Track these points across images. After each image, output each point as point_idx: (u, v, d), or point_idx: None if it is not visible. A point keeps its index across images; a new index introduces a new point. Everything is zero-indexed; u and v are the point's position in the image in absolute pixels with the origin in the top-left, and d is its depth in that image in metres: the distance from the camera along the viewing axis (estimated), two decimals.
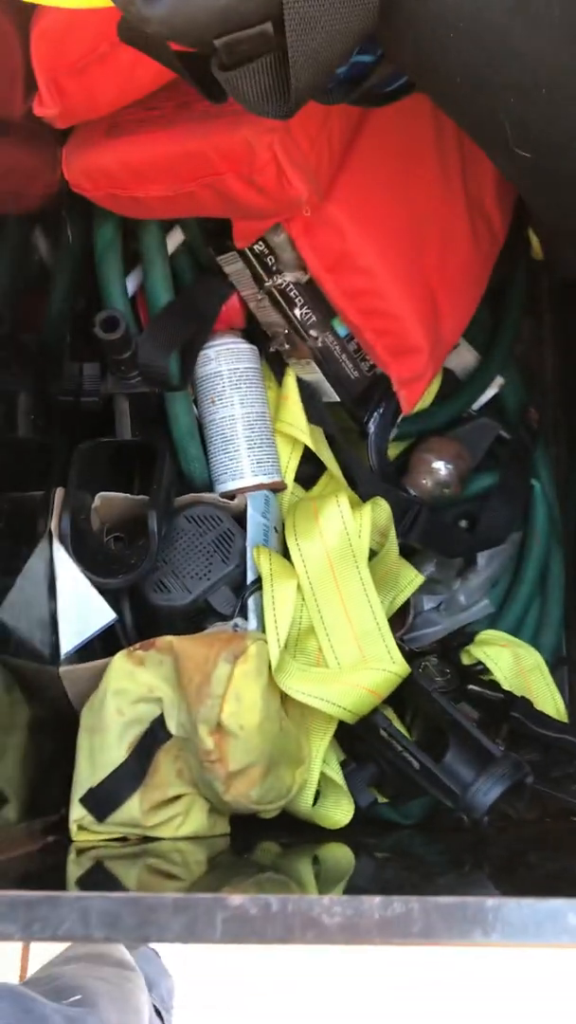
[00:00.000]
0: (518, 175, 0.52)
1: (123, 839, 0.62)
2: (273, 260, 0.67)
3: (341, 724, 0.65)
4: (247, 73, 0.44)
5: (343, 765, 0.68)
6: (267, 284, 0.68)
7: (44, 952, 1.02)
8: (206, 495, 0.70)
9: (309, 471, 0.75)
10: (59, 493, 0.64)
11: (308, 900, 0.32)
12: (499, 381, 0.84)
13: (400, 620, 0.78)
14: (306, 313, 0.68)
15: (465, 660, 0.77)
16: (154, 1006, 1.06)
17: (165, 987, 1.11)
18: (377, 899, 0.31)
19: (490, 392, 0.84)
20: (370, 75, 0.50)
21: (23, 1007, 0.63)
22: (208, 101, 0.48)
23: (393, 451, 0.80)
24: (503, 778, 0.61)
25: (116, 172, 0.61)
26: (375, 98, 0.58)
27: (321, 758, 0.65)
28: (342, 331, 0.70)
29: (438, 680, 0.72)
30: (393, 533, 0.71)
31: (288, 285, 0.67)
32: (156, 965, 1.10)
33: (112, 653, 0.64)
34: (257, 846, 0.66)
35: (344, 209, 0.62)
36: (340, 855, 0.66)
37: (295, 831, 0.68)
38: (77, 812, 0.61)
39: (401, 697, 0.69)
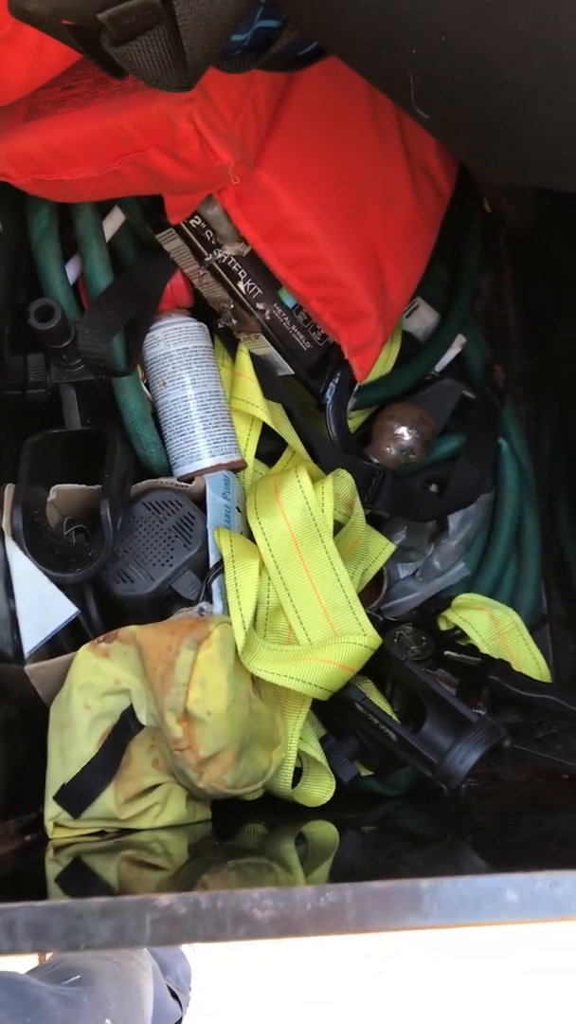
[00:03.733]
0: (440, 130, 0.50)
1: (101, 833, 0.61)
2: (211, 234, 0.65)
3: (319, 699, 0.65)
4: (140, 47, 0.42)
5: (323, 741, 0.68)
6: (208, 259, 0.66)
7: None
8: (163, 480, 0.68)
9: (271, 448, 0.74)
10: (9, 489, 0.63)
11: (238, 895, 0.31)
12: (461, 340, 0.82)
13: (374, 591, 0.77)
14: (251, 286, 0.67)
15: (443, 626, 0.76)
16: (170, 988, 1.06)
17: (180, 969, 1.12)
18: (309, 889, 0.30)
19: (452, 352, 0.82)
20: (276, 40, 0.49)
21: (17, 992, 0.63)
22: (112, 76, 0.46)
23: (357, 420, 0.79)
24: (479, 744, 0.60)
25: (39, 156, 0.59)
26: (291, 62, 0.56)
27: (297, 736, 0.65)
28: (289, 302, 0.68)
29: (413, 649, 0.71)
30: (358, 503, 0.70)
31: (229, 259, 0.66)
32: (172, 948, 1.11)
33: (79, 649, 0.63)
34: (241, 829, 0.66)
35: (276, 176, 0.61)
36: (325, 833, 0.65)
37: (280, 811, 0.68)
38: (52, 810, 0.60)
39: (378, 668, 0.69)
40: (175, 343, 0.69)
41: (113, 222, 0.71)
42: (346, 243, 0.63)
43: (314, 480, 0.68)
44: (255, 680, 0.63)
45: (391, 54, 0.42)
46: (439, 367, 0.82)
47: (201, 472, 0.69)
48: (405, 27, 0.40)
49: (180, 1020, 1.06)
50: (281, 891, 0.31)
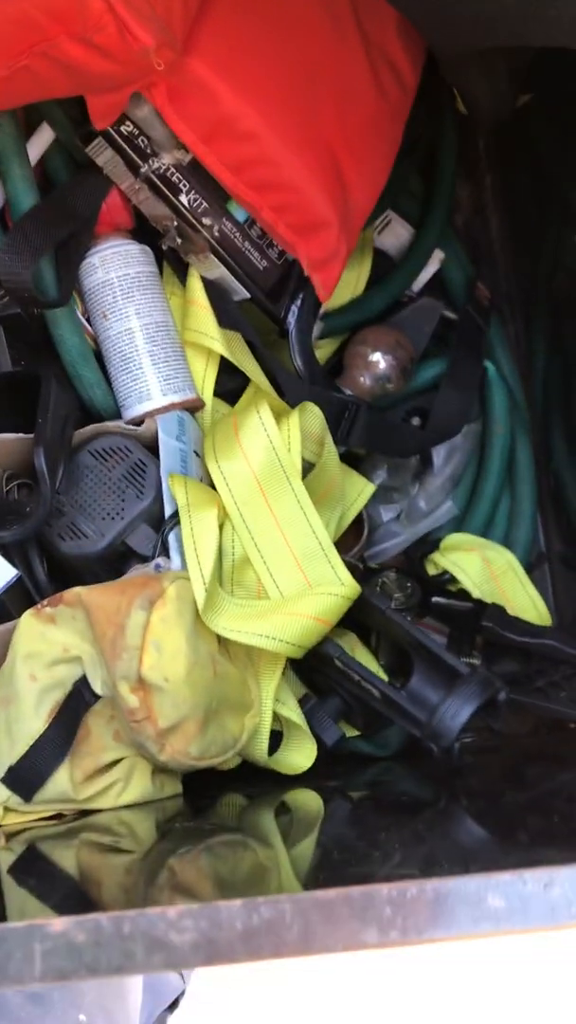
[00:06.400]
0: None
1: (59, 816, 0.56)
2: (145, 141, 0.57)
3: (294, 658, 0.58)
4: None
5: (303, 701, 0.62)
6: (144, 170, 0.58)
7: None
8: (109, 424, 0.62)
9: (232, 385, 0.67)
10: None
11: (149, 917, 0.25)
12: (439, 256, 0.74)
13: (355, 536, 0.70)
14: (194, 199, 0.59)
15: (431, 571, 0.69)
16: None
17: None
18: (238, 904, 0.24)
19: (430, 269, 0.74)
20: None
21: None
22: None
23: (327, 350, 0.72)
24: (471, 698, 0.54)
25: None
26: None
27: (272, 698, 0.59)
28: (240, 215, 0.60)
29: (398, 596, 0.65)
30: (330, 440, 0.63)
31: (168, 168, 0.58)
32: None
33: None
34: (217, 802, 0.60)
35: (212, 65, 0.53)
36: (308, 801, 0.60)
37: (261, 780, 0.62)
38: (1, 793, 0.54)
39: (361, 620, 0.62)
40: (115, 269, 0.62)
41: (42, 140, 0.63)
42: (298, 141, 0.56)
43: (279, 416, 0.61)
44: (222, 640, 0.56)
45: None
46: (416, 287, 0.74)
47: (152, 413, 0.62)
48: None
49: (183, 993, 1.02)
50: (203, 908, 0.25)
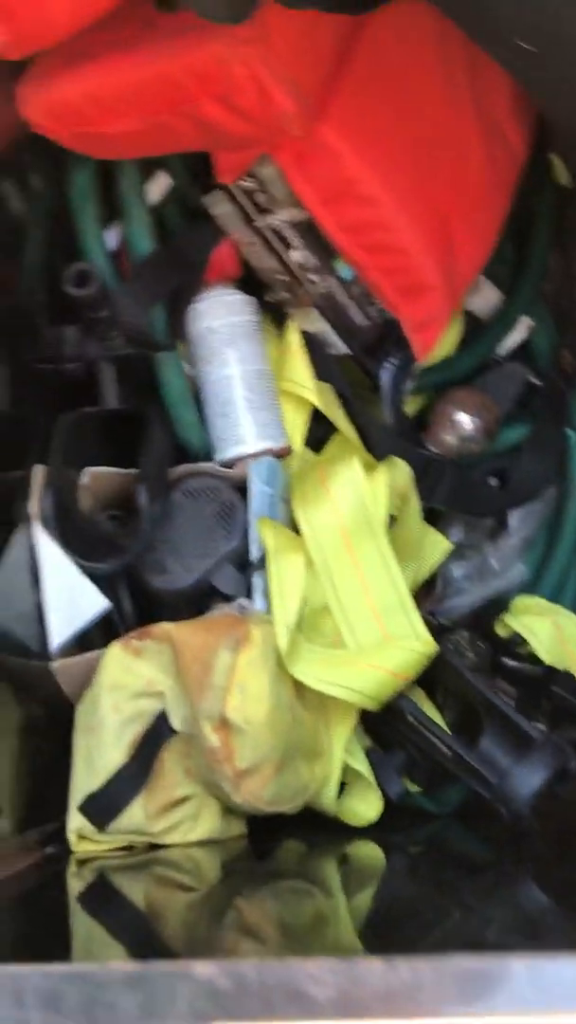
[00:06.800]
0: (528, 75, 0.44)
1: (128, 847, 0.57)
2: (264, 196, 0.59)
3: (367, 709, 0.59)
4: None
5: (369, 753, 0.62)
6: (259, 224, 0.60)
7: None
8: (203, 464, 0.63)
9: (319, 433, 0.69)
10: (39, 471, 0.58)
11: (291, 968, 0.26)
12: (527, 322, 0.76)
13: (427, 592, 0.71)
14: (304, 255, 0.61)
15: (500, 632, 0.70)
16: None
17: None
18: (378, 964, 0.25)
19: (517, 335, 0.75)
20: None
21: None
22: (156, 9, 0.41)
23: (412, 406, 0.73)
24: (544, 765, 0.55)
25: (80, 107, 0.54)
26: (356, 3, 0.51)
27: (343, 748, 0.59)
28: (346, 273, 0.62)
29: (470, 656, 0.65)
30: (415, 496, 0.64)
31: (282, 224, 0.60)
32: None
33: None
34: (279, 846, 0.61)
35: (341, 131, 0.55)
36: (370, 854, 0.60)
37: (320, 827, 0.62)
38: (76, 821, 0.55)
39: (430, 676, 0.63)
40: (220, 317, 0.64)
41: (159, 186, 0.66)
42: (413, 207, 0.57)
43: (367, 470, 0.62)
44: (298, 686, 0.57)
45: None
46: (502, 351, 0.75)
47: (244, 457, 0.63)
48: None
49: None
50: (343, 963, 0.26)
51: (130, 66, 0.52)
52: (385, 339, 0.64)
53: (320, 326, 0.64)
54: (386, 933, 0.48)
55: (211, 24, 0.49)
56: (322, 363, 0.65)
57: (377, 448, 0.65)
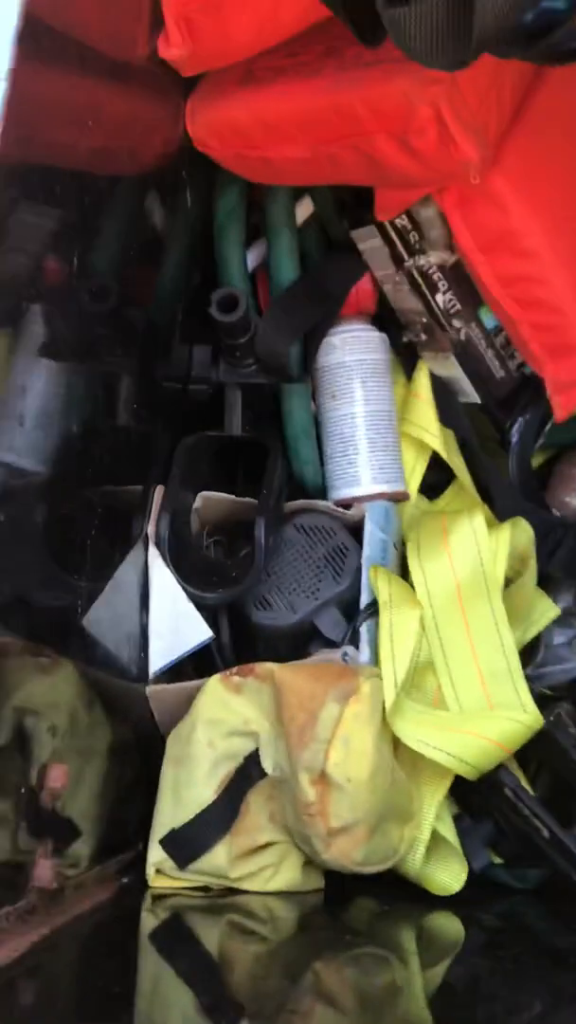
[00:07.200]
0: None
1: (205, 888, 0.55)
2: (417, 237, 0.58)
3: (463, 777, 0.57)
4: (420, 9, 0.35)
5: (457, 819, 0.60)
6: (407, 264, 0.59)
7: None
8: (319, 502, 0.62)
9: (433, 479, 0.67)
10: (159, 491, 0.57)
11: None
12: None
13: (527, 656, 0.68)
14: (450, 300, 0.59)
15: None
16: None
17: None
18: None
19: None
20: (559, 26, 0.41)
21: None
22: (361, 44, 0.39)
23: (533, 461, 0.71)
24: None
25: (248, 128, 0.53)
26: (557, 54, 0.49)
27: (434, 814, 0.57)
28: (490, 323, 0.60)
29: (572, 731, 0.63)
30: (534, 560, 0.62)
31: (431, 267, 0.59)
32: None
33: (203, 674, 0.56)
34: (353, 904, 0.58)
35: (510, 180, 0.53)
36: (447, 926, 0.58)
37: (394, 887, 0.60)
38: (157, 855, 0.54)
39: (525, 747, 0.60)
40: (352, 353, 0.62)
41: (302, 212, 0.64)
42: (574, 265, 0.55)
43: (488, 526, 0.60)
44: (395, 744, 0.55)
45: None
46: None
47: (360, 499, 0.62)
48: None
49: None
50: None
51: (307, 93, 0.51)
52: (521, 393, 0.62)
53: (454, 372, 0.62)
54: (463, 1015, 0.46)
55: (399, 59, 0.48)
56: (449, 409, 0.64)
57: (498, 504, 0.63)
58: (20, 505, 0.57)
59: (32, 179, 0.49)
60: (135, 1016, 0.41)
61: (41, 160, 0.52)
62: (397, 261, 0.59)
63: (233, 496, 0.61)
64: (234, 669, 0.55)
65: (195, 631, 0.56)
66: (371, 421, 0.62)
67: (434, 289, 0.59)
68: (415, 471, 0.65)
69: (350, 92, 0.49)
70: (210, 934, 0.52)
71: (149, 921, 0.53)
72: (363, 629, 0.58)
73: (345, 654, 0.58)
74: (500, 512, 0.62)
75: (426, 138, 0.48)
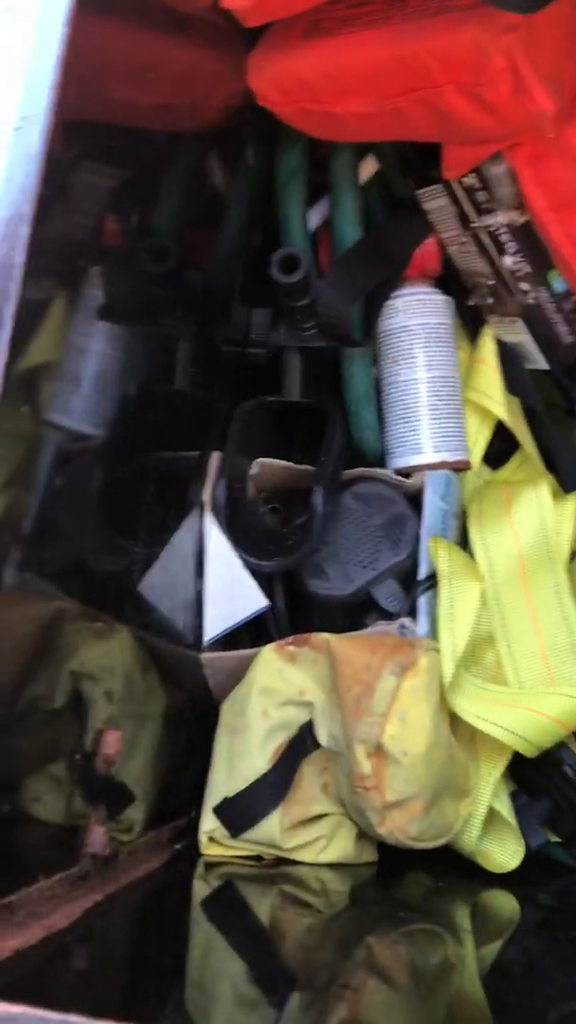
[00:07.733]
0: None
1: (257, 857, 0.55)
2: (486, 196, 0.55)
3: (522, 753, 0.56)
4: None
5: (514, 796, 0.59)
6: (474, 225, 0.57)
7: None
8: (378, 470, 0.60)
9: (497, 449, 0.65)
10: (216, 457, 0.56)
11: None
12: None
13: None
14: (518, 262, 0.57)
15: None
16: None
17: None
18: None
19: None
20: None
21: None
22: None
23: None
24: None
25: (312, 81, 0.51)
26: None
27: (491, 790, 0.56)
28: (559, 286, 0.58)
29: None
30: None
31: (500, 227, 0.56)
32: None
33: (259, 643, 0.56)
34: (405, 877, 0.58)
35: None
36: (503, 904, 0.57)
37: (448, 863, 0.59)
38: (209, 823, 0.53)
39: None
40: (415, 316, 0.60)
41: (366, 170, 0.62)
42: None
43: (554, 497, 0.58)
44: (453, 719, 0.54)
45: None
46: None
47: (421, 468, 0.60)
48: None
49: None
50: None
51: (372, 44, 0.49)
52: None
53: (521, 338, 0.60)
54: (518, 994, 0.45)
55: (469, 5, 0.46)
56: (516, 376, 0.61)
57: (564, 474, 0.61)
58: (76, 469, 0.57)
59: (91, 137, 0.48)
60: (186, 984, 0.41)
61: (100, 117, 0.51)
62: (464, 221, 0.57)
63: (290, 463, 0.59)
64: (289, 639, 0.55)
65: (251, 599, 0.55)
66: (434, 387, 0.61)
67: (502, 250, 0.57)
68: (478, 440, 0.63)
69: (417, 43, 0.47)
70: (262, 904, 0.52)
71: (201, 889, 0.52)
72: (421, 601, 0.57)
73: (402, 626, 0.57)
74: (567, 483, 0.60)
75: (499, 90, 0.46)
